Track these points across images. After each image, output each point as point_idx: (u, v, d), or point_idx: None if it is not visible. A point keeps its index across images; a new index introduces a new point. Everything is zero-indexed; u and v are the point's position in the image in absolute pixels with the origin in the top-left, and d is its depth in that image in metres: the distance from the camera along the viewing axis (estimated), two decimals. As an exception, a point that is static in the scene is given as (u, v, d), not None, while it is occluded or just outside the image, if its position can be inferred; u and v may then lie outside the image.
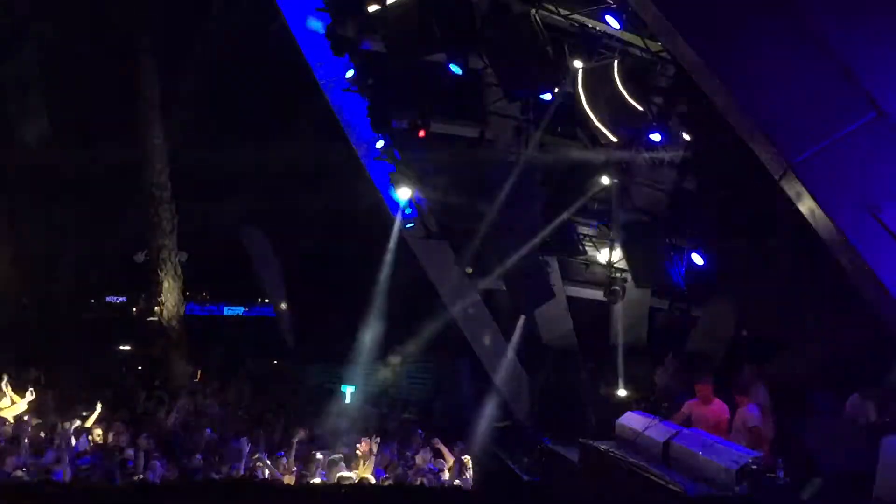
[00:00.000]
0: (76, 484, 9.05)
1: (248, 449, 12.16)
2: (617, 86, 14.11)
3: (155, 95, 19.91)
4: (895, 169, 8.56)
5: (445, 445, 15.11)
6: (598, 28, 14.69)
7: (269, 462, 11.72)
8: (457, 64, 15.13)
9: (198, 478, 10.58)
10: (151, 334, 21.10)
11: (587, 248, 18.22)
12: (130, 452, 11.58)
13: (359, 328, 23.95)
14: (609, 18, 13.89)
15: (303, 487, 8.63)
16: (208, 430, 14.31)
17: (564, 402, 16.76)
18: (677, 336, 16.89)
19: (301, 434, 14.48)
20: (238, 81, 23.36)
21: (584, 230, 18.21)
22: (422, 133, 17.17)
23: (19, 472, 10.15)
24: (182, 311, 20.65)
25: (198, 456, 12.03)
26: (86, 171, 22.29)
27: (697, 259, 16.03)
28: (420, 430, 17.09)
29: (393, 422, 18.35)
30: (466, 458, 14.47)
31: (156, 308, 20.94)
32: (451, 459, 12.97)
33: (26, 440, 12.38)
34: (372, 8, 15.17)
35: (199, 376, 20.71)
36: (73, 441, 12.60)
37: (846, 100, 8.65)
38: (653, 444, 11.09)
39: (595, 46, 14.58)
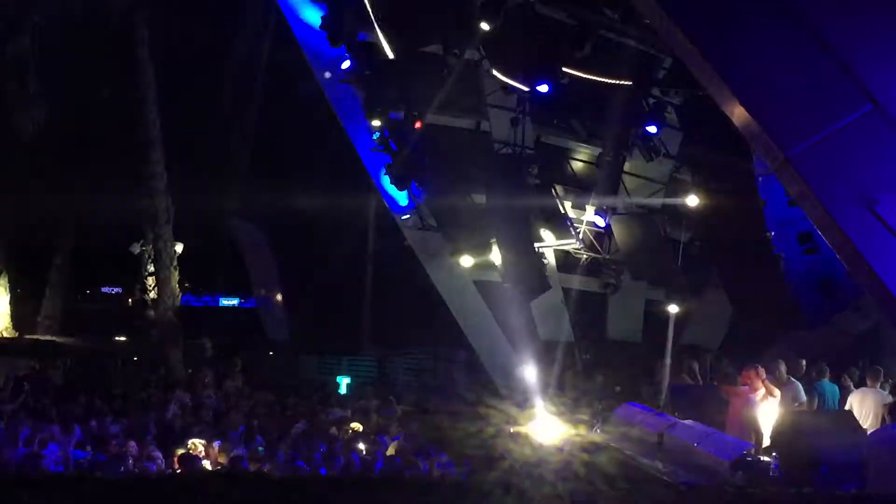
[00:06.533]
0: (74, 476, 9.04)
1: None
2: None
3: (151, 85, 19.82)
4: (891, 162, 8.58)
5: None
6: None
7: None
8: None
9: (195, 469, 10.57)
10: (147, 325, 21.07)
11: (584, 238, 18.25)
12: (130, 444, 11.57)
13: (354, 320, 24.02)
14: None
15: (300, 480, 8.63)
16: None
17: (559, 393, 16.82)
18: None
19: (299, 426, 14.46)
20: (234, 73, 23.31)
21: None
22: (418, 124, 17.15)
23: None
24: (178, 302, 20.60)
25: (201, 448, 12.02)
26: (82, 160, 22.25)
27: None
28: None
29: (390, 412, 18.33)
30: None
31: (151, 299, 20.92)
32: None
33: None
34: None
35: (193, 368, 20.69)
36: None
37: (843, 92, 8.64)
38: (648, 435, 11.14)
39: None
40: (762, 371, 11.57)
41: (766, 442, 10.79)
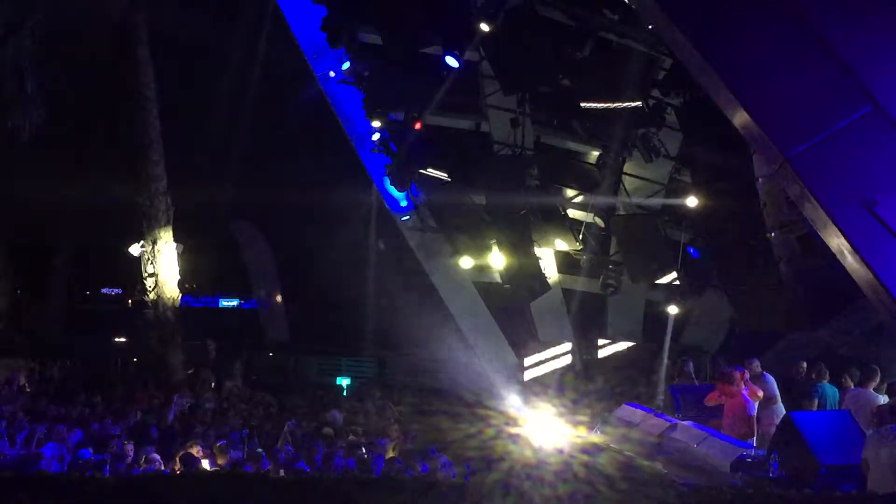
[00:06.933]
0: (74, 476, 9.03)
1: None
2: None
3: (150, 86, 19.83)
4: (891, 162, 8.57)
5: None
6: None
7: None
8: (453, 56, 15.10)
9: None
10: (147, 326, 21.06)
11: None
12: (129, 447, 11.56)
13: (354, 321, 24.02)
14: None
15: (300, 481, 8.63)
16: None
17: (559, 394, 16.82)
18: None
19: (291, 423, 14.44)
20: (234, 73, 23.30)
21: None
22: (418, 125, 17.15)
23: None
24: (177, 303, 20.58)
25: (199, 448, 12.01)
26: (81, 160, 22.26)
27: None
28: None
29: (389, 413, 18.33)
30: None
31: (151, 299, 20.90)
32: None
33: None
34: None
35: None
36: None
37: (843, 93, 8.63)
38: (648, 436, 11.13)
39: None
40: (747, 372, 11.67)
41: (765, 442, 10.81)
